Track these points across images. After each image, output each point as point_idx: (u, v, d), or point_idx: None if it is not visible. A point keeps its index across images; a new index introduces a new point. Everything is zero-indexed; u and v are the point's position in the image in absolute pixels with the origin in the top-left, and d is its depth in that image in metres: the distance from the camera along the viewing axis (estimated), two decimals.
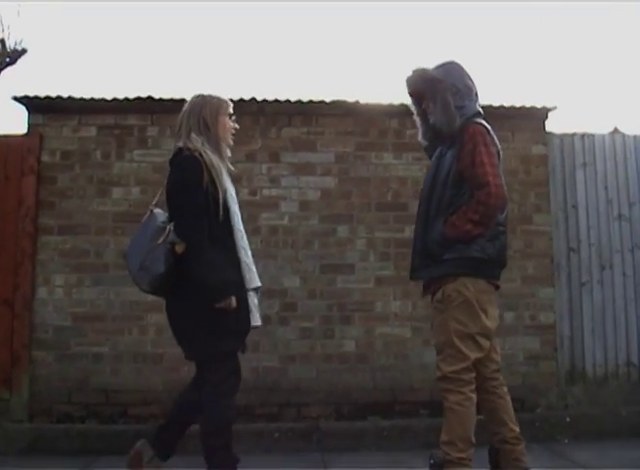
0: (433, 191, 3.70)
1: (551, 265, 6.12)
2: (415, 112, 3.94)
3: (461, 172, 3.58)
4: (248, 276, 3.57)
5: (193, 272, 3.37)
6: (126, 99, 6.00)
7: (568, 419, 5.54)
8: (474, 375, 3.59)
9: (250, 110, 6.01)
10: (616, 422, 5.51)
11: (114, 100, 5.99)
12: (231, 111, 3.79)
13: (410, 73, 3.82)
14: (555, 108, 6.26)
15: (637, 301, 6.19)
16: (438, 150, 3.82)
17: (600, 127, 6.89)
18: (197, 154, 3.49)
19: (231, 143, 3.80)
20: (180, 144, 3.60)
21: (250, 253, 3.63)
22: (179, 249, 3.38)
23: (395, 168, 6.07)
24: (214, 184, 3.46)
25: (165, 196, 3.61)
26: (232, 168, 3.77)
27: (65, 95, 5.96)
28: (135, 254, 3.51)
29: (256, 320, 3.64)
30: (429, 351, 5.26)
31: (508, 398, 3.77)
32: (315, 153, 6.05)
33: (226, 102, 3.78)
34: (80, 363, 5.73)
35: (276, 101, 6.00)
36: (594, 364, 6.09)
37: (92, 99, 5.99)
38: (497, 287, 3.74)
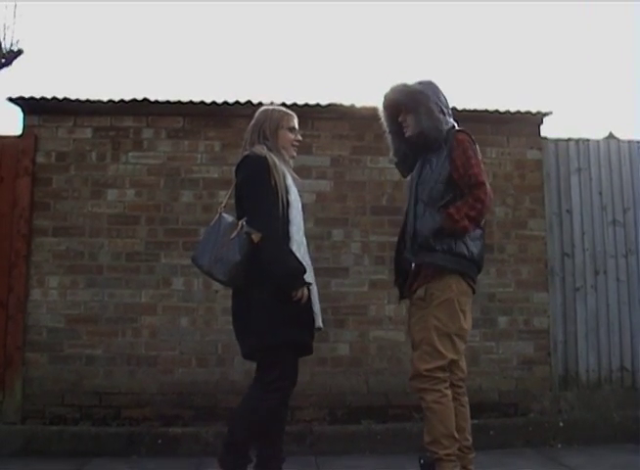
0: (422, 184, 3.74)
1: (545, 270, 6.13)
2: (387, 129, 4.03)
3: (451, 173, 3.64)
4: None
5: (270, 259, 3.52)
6: (122, 101, 5.99)
7: (561, 424, 5.55)
8: (448, 375, 3.62)
9: (245, 112, 5.98)
10: (609, 427, 5.53)
11: (110, 101, 5.98)
12: (293, 124, 3.91)
13: (389, 89, 3.92)
14: (550, 113, 6.28)
15: (631, 306, 6.20)
16: (420, 161, 3.84)
17: (595, 133, 6.91)
18: (262, 156, 3.67)
19: (293, 154, 3.92)
20: (246, 153, 3.77)
21: (303, 248, 3.75)
22: (256, 238, 3.52)
23: (391, 172, 6.05)
24: (279, 182, 3.63)
25: (235, 197, 3.77)
26: (296, 176, 3.89)
27: (60, 96, 5.96)
28: (205, 252, 3.64)
29: (319, 322, 3.80)
30: None
31: (468, 407, 3.79)
32: (310, 156, 6.03)
33: (288, 115, 3.92)
34: (74, 365, 5.71)
35: (271, 104, 5.98)
36: (588, 369, 6.10)
37: (87, 100, 5.98)
38: (474, 291, 3.78)
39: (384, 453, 5.16)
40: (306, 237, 3.87)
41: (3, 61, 10.18)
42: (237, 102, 6.02)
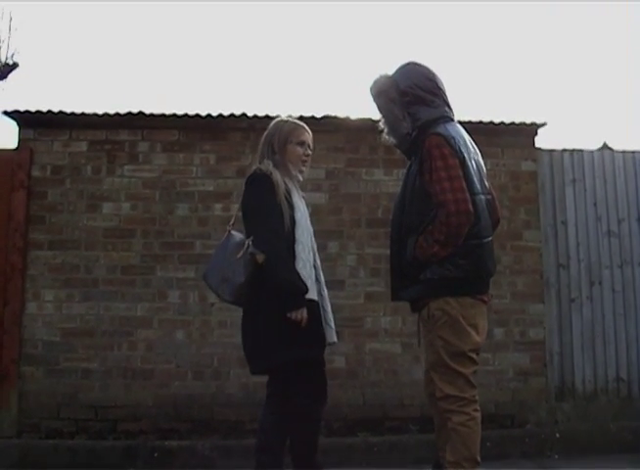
0: (402, 208, 3.65)
1: (541, 281, 6.14)
2: None
3: (425, 187, 3.47)
4: None
5: (272, 279, 3.45)
6: (117, 114, 6.01)
7: (557, 435, 5.54)
8: (476, 392, 3.48)
9: (240, 126, 6.04)
10: (605, 438, 5.51)
11: (105, 115, 6.00)
12: (303, 138, 3.85)
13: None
14: (544, 124, 6.29)
15: (626, 316, 6.21)
16: (408, 164, 3.75)
17: (589, 143, 6.93)
18: (267, 173, 3.61)
19: (302, 169, 3.86)
20: (254, 167, 3.74)
21: (309, 266, 3.63)
22: (259, 259, 3.48)
23: (386, 185, 6.08)
24: (282, 201, 3.58)
25: (242, 214, 3.72)
26: (303, 194, 3.87)
27: (55, 110, 5.97)
28: (215, 270, 3.64)
29: (333, 337, 3.70)
30: (419, 367, 5.27)
31: None
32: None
33: (298, 130, 3.86)
34: (69, 379, 5.71)
35: (266, 117, 5.97)
36: (584, 380, 6.09)
37: (83, 114, 6.00)
38: (484, 301, 3.57)
39: (380, 466, 5.14)
40: (317, 254, 3.81)
41: None
42: (232, 115, 6.03)
